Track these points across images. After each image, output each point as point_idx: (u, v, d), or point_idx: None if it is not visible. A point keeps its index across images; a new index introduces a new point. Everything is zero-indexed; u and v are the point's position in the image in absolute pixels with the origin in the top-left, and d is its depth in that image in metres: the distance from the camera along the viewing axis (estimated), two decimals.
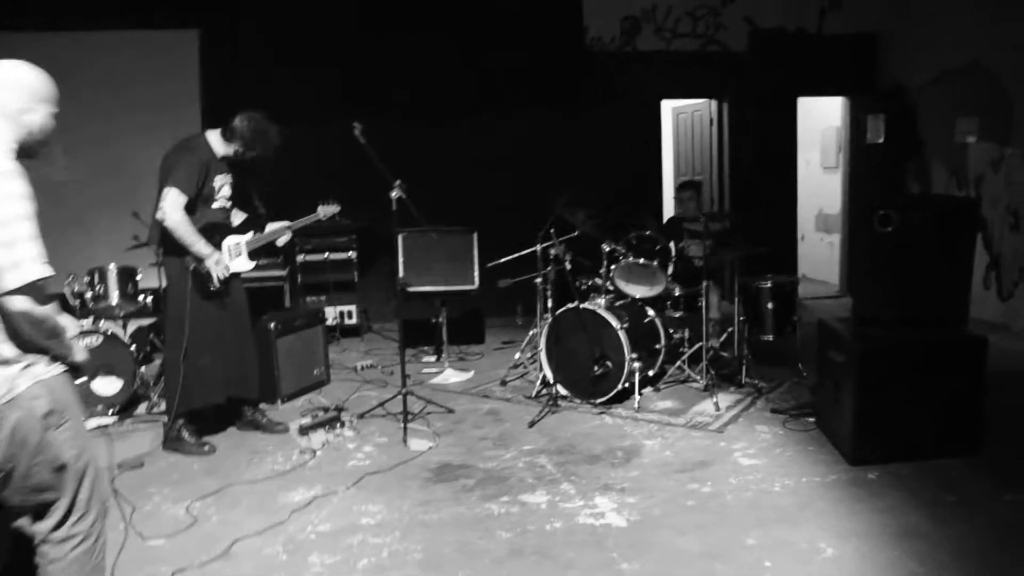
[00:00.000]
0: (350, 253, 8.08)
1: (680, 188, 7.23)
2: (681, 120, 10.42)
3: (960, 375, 4.43)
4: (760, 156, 9.43)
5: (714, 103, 9.70)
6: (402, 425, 5.16)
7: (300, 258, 8.03)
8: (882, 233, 4.64)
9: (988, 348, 4.44)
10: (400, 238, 6.96)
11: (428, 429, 5.23)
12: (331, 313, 8.01)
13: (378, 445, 4.99)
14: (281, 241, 5.24)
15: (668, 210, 9.55)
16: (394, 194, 5.06)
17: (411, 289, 6.94)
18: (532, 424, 5.31)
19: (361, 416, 5.47)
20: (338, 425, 5.20)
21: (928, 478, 4.26)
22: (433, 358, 7.25)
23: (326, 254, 8.04)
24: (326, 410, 5.36)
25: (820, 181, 11.06)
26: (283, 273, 7.75)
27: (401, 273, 6.92)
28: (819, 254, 11.22)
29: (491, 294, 7.37)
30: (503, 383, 6.34)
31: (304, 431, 5.10)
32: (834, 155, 10.64)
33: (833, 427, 4.80)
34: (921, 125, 9.05)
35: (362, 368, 6.90)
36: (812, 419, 5.20)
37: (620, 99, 9.03)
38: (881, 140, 9.50)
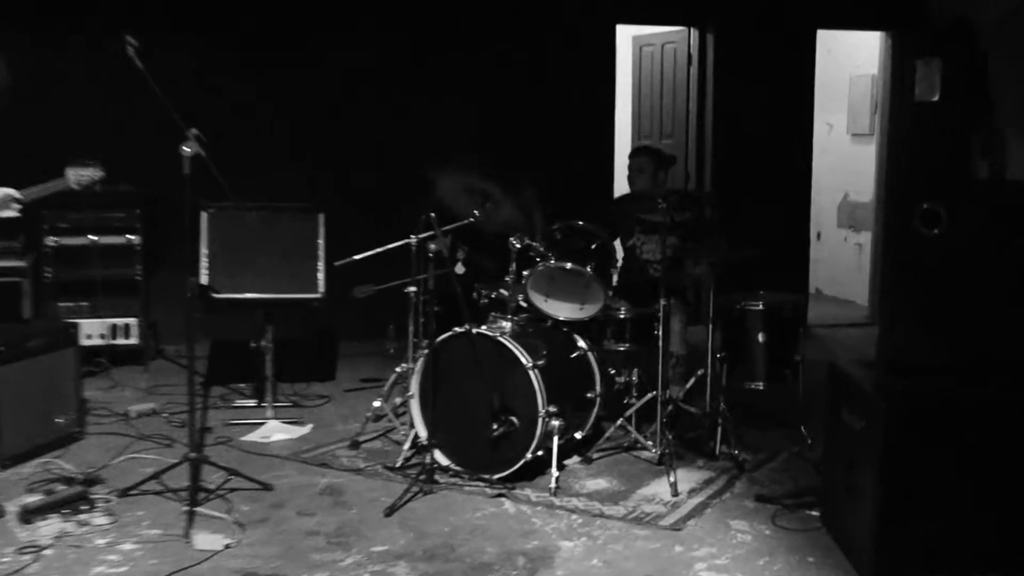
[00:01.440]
0: (131, 237, 8.08)
1: (633, 155, 7.30)
2: (646, 56, 10.48)
3: None
4: (759, 114, 9.49)
5: (695, 32, 9.77)
6: (186, 509, 5.04)
7: (50, 242, 7.95)
8: (926, 236, 4.59)
9: None
10: (204, 218, 6.89)
11: (228, 517, 5.11)
12: (95, 328, 8.04)
13: (145, 541, 4.88)
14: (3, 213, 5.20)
15: (621, 187, 9.49)
16: (186, 150, 5.05)
17: (219, 296, 6.86)
18: (391, 511, 5.23)
19: (125, 493, 5.38)
20: (85, 507, 5.08)
21: None
22: (251, 402, 7.19)
23: (92, 237, 7.98)
24: (69, 482, 5.30)
25: (847, 154, 11.14)
26: (22, 264, 7.68)
27: (203, 270, 6.85)
28: (841, 260, 11.32)
29: (346, 307, 7.29)
30: (354, 445, 6.32)
31: (28, 515, 4.98)
32: (867, 117, 10.72)
33: (846, 526, 4.77)
34: (994, 78, 9.13)
35: (138, 416, 6.81)
36: (815, 512, 5.18)
37: (553, 23, 9.10)
38: (935, 98, 9.56)
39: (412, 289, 6.21)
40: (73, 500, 5.08)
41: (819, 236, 11.14)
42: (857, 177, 10.91)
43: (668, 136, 9.98)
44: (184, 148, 5.02)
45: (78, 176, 5.33)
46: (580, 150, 9.09)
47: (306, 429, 6.67)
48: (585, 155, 9.16)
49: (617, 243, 6.63)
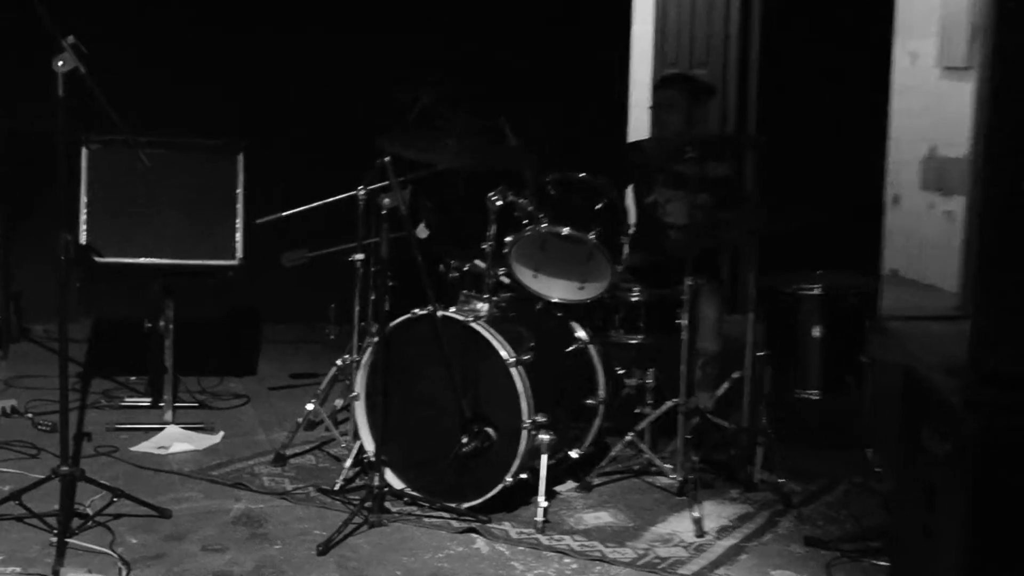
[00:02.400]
0: None
1: (660, 85, 7.33)
2: None
3: None
4: (819, 37, 9.41)
5: None
6: (55, 541, 5.01)
7: None
8: None
9: None
10: (85, 156, 6.91)
11: (111, 552, 5.09)
12: None
13: None
14: None
15: (639, 129, 9.45)
16: (60, 64, 4.98)
17: (103, 260, 6.87)
18: (326, 549, 5.24)
19: None
20: None
21: None
22: (144, 401, 7.19)
23: None
24: None
25: (935, 94, 11.13)
26: None
27: (83, 226, 6.85)
28: (925, 232, 11.31)
29: (272, 279, 7.38)
30: (279, 459, 6.37)
31: None
32: (963, 46, 10.69)
33: None
34: None
35: None
36: (883, 562, 5.16)
37: None
38: None
39: (359, 257, 6.24)
40: None
41: (896, 200, 11.14)
42: (948, 125, 10.92)
43: (701, 65, 10.00)
44: (57, 62, 4.95)
45: None
46: (582, 80, 9.04)
47: (216, 438, 6.67)
48: (590, 86, 9.10)
49: (631, 202, 6.58)
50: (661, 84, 7.32)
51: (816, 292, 6.33)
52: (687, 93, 7.06)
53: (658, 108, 7.13)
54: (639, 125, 9.72)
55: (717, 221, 6.55)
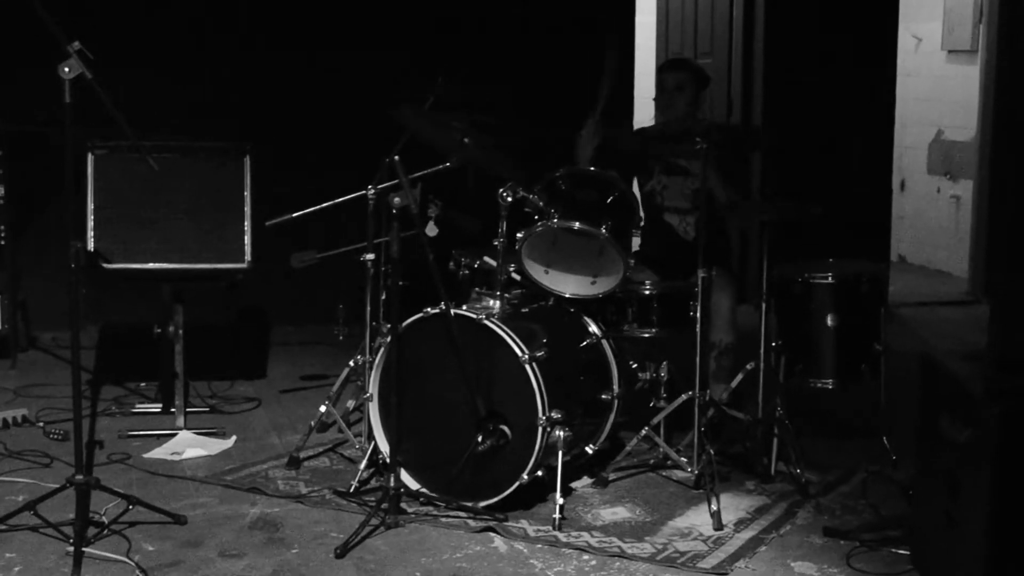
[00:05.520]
0: None
1: (668, 68, 7.31)
2: None
3: None
4: (824, 23, 9.41)
5: None
6: (71, 550, 4.99)
7: None
8: None
9: None
10: (91, 161, 6.88)
11: (127, 560, 5.07)
12: None
13: None
14: None
15: (643, 121, 9.45)
16: (66, 70, 4.96)
17: (111, 267, 6.86)
18: (343, 551, 5.22)
19: None
20: None
21: None
22: (155, 407, 7.19)
23: None
24: None
25: (941, 77, 11.12)
26: None
27: (90, 233, 6.84)
28: (932, 217, 11.30)
29: (281, 281, 7.41)
30: (293, 463, 6.35)
31: None
32: (969, 28, 10.67)
33: (946, 568, 4.75)
34: None
35: (4, 426, 6.79)
36: (904, 551, 5.17)
37: None
38: None
39: (369, 257, 6.22)
40: None
41: (903, 186, 11.12)
42: (954, 108, 10.91)
43: (705, 54, 9.99)
44: (63, 68, 4.92)
45: None
46: (587, 70, 9.02)
47: (229, 443, 6.66)
48: (592, 76, 9.10)
49: (635, 191, 6.59)
50: (670, 66, 7.30)
51: (828, 281, 6.30)
52: (695, 78, 7.11)
53: (666, 91, 7.10)
54: (643, 116, 9.72)
55: (724, 209, 6.60)
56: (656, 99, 7.20)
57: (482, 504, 5.57)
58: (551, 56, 8.93)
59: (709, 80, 7.45)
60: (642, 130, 7.36)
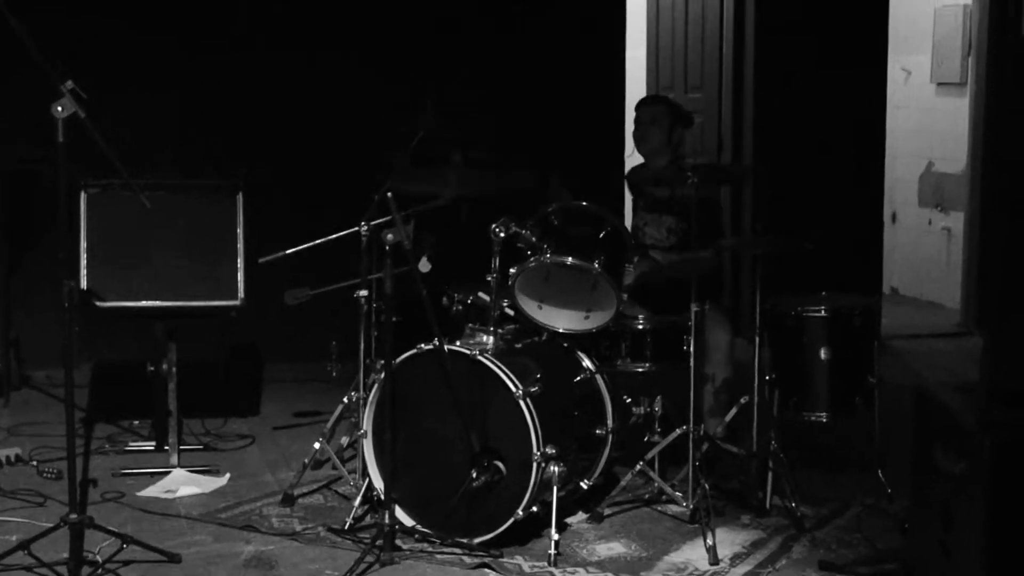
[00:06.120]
0: None
1: (643, 104, 7.40)
2: None
3: None
4: (815, 58, 9.44)
5: None
6: None
7: None
8: None
9: None
10: (84, 200, 6.87)
11: None
12: None
13: None
14: None
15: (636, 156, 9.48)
16: (59, 109, 4.97)
17: (104, 304, 6.83)
18: None
19: None
20: None
21: None
22: (148, 445, 7.20)
23: None
24: None
25: (930, 109, 11.13)
26: None
27: (83, 271, 6.83)
28: (924, 249, 11.30)
29: (274, 317, 7.43)
30: (288, 500, 6.35)
31: None
32: (957, 61, 10.70)
33: None
34: None
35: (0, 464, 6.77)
36: None
37: None
38: None
39: (362, 293, 6.22)
40: None
41: (894, 218, 11.12)
42: (944, 140, 10.92)
43: (695, 89, 9.99)
44: (56, 107, 4.92)
45: None
46: (580, 107, 9.05)
47: (223, 480, 6.65)
48: (587, 113, 9.12)
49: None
50: (644, 102, 7.41)
51: (821, 314, 6.30)
52: (670, 112, 7.18)
53: (642, 125, 7.19)
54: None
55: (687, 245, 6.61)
56: (633, 133, 7.29)
57: (477, 540, 5.56)
58: (541, 90, 8.95)
59: (691, 119, 7.52)
60: (635, 169, 7.42)
